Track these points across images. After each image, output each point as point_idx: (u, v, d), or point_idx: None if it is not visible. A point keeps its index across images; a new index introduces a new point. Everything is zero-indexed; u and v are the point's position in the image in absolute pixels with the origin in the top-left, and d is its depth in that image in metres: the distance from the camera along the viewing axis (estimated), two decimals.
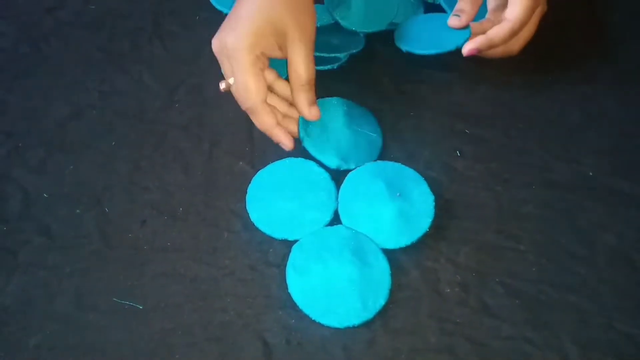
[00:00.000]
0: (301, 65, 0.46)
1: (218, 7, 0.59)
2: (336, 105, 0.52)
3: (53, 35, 0.58)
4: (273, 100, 0.49)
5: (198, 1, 0.62)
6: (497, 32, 0.51)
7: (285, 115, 0.49)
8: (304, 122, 0.50)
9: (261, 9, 0.45)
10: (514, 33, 0.51)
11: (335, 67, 0.55)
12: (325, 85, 0.55)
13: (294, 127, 0.49)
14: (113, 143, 0.51)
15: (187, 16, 0.60)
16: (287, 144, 0.48)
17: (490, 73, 0.56)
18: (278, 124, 0.48)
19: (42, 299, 0.43)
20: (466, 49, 0.50)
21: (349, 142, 0.50)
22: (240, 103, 0.47)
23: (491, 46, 0.51)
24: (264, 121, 0.47)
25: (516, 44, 0.53)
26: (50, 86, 0.55)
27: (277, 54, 0.47)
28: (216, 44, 0.46)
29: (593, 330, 0.42)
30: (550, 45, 0.60)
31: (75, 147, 0.51)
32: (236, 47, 0.44)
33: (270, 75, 0.49)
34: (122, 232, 0.46)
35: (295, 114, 0.49)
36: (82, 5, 0.61)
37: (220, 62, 0.47)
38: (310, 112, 0.47)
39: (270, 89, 0.48)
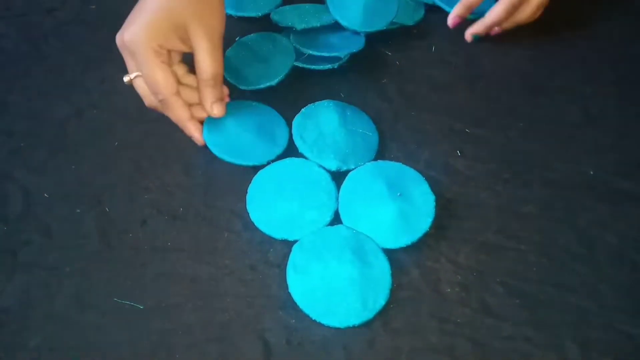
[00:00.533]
0: (205, 61, 0.46)
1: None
2: (328, 108, 0.52)
3: (53, 35, 0.58)
4: (185, 91, 0.49)
5: None
6: (491, 16, 0.56)
7: (196, 104, 0.49)
8: (298, 128, 0.51)
9: (161, 2, 0.45)
10: (508, 12, 0.55)
11: (335, 67, 0.55)
12: (325, 85, 0.55)
13: (203, 114, 0.49)
14: (114, 143, 0.51)
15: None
16: (198, 139, 0.49)
17: (490, 73, 0.56)
18: (191, 117, 0.48)
19: (42, 299, 0.43)
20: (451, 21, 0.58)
21: (346, 142, 0.50)
22: (147, 97, 0.47)
23: (489, 28, 0.57)
24: (177, 114, 0.47)
25: (523, 14, 0.57)
26: (50, 86, 0.55)
27: (180, 47, 0.47)
28: (118, 39, 0.46)
29: (593, 330, 0.42)
30: (549, 45, 0.60)
31: (76, 147, 0.51)
32: (133, 40, 0.44)
33: (180, 70, 0.49)
34: (122, 232, 0.46)
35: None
36: (82, 5, 0.61)
37: (124, 57, 0.47)
38: (213, 110, 0.48)
39: (180, 82, 0.48)
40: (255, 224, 0.46)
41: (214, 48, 0.46)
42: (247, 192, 0.47)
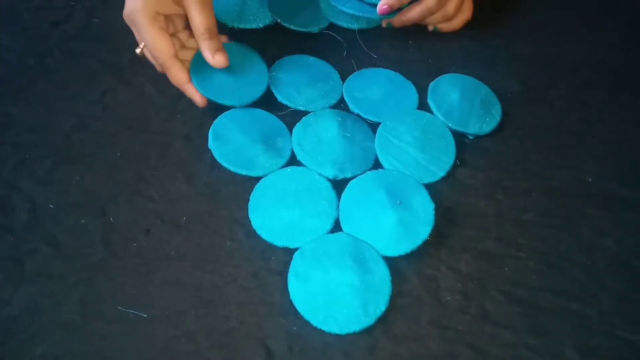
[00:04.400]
0: (196, 17, 0.49)
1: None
2: (328, 116, 0.53)
3: (58, 48, 0.59)
4: (187, 54, 0.53)
5: None
6: (407, 15, 0.58)
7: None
8: (297, 136, 0.51)
9: None
10: (423, 15, 0.58)
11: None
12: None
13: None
14: (118, 154, 0.52)
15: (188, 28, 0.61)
16: (198, 100, 0.52)
17: (488, 81, 0.57)
18: (190, 80, 0.51)
19: (48, 308, 0.43)
20: (380, 8, 0.56)
21: (344, 151, 0.51)
22: (154, 63, 0.51)
23: (403, 24, 0.59)
24: (176, 76, 0.51)
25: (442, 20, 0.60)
26: (55, 98, 0.55)
27: (176, 10, 0.51)
28: (124, 15, 0.50)
29: (594, 336, 0.43)
30: (547, 52, 0.61)
31: (81, 158, 0.51)
32: (132, 11, 0.49)
33: (184, 35, 0.54)
34: (126, 241, 0.46)
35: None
36: (87, 19, 0.62)
37: (132, 30, 0.51)
38: (215, 59, 0.50)
39: (184, 46, 0.54)
40: (257, 232, 0.47)
41: (203, 3, 0.49)
42: (249, 201, 0.48)
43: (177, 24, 0.53)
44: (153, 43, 0.49)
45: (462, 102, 0.55)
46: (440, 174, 0.51)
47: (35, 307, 0.43)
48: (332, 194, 0.49)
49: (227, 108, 0.53)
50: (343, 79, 0.57)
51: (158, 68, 0.52)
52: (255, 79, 0.55)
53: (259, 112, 0.54)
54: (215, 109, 0.53)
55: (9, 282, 0.44)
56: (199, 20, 0.49)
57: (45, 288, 0.44)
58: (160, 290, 0.44)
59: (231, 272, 0.45)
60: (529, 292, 0.45)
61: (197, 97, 0.52)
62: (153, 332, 0.42)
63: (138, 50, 0.51)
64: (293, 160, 0.51)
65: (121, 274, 0.45)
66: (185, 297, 0.44)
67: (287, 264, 0.45)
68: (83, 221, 0.47)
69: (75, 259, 0.45)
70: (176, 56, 0.50)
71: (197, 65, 0.52)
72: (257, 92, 0.54)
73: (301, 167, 0.50)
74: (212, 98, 0.52)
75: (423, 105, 0.55)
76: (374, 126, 0.53)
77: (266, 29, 0.61)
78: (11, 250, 0.46)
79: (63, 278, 0.44)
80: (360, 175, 0.50)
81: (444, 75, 0.57)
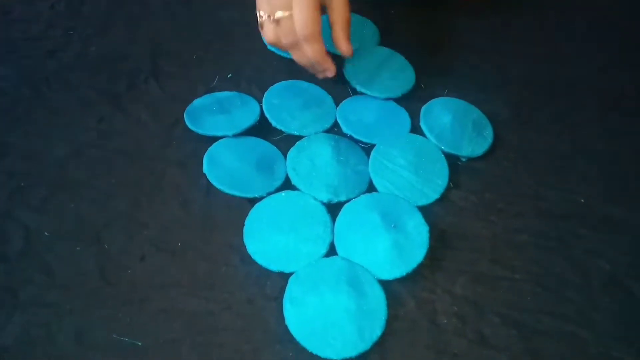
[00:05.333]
0: (340, 6, 0.52)
1: None
2: (322, 140, 0.54)
3: (53, 77, 0.60)
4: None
5: (194, 41, 0.64)
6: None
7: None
8: (292, 161, 0.52)
9: None
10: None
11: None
12: None
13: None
14: (113, 181, 0.52)
15: (183, 56, 0.62)
16: (332, 69, 0.54)
17: (479, 105, 0.58)
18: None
19: (42, 337, 0.43)
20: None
21: (338, 175, 0.51)
22: (289, 35, 0.50)
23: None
24: (318, 49, 0.51)
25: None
26: (50, 127, 0.56)
27: None
28: None
29: (590, 359, 0.42)
30: (537, 75, 0.62)
31: (76, 186, 0.51)
32: None
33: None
34: (121, 268, 0.46)
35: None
36: (83, 48, 0.63)
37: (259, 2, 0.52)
38: (348, 48, 0.53)
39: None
40: (252, 257, 0.47)
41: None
42: (244, 226, 0.48)
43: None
44: (308, 14, 0.49)
45: (454, 125, 0.55)
46: (434, 196, 0.51)
47: (28, 336, 0.43)
48: (326, 217, 0.49)
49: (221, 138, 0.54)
50: (336, 104, 0.58)
51: (287, 42, 0.51)
52: (246, 109, 0.56)
53: (253, 139, 0.54)
54: (209, 138, 0.54)
55: (2, 311, 0.44)
56: (343, 8, 0.52)
57: (39, 317, 0.44)
58: (155, 318, 0.44)
59: (226, 298, 0.45)
60: (525, 315, 0.45)
61: (332, 67, 0.53)
62: None
63: (265, 16, 0.51)
64: (287, 185, 0.51)
65: (116, 302, 0.45)
66: (180, 325, 0.43)
67: (283, 289, 0.45)
68: (78, 249, 0.47)
69: (69, 288, 0.45)
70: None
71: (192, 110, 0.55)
72: (249, 120, 0.55)
73: (296, 192, 0.50)
74: (204, 133, 0.54)
75: (416, 129, 0.56)
76: (367, 150, 0.54)
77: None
78: (5, 279, 0.46)
79: (57, 306, 0.44)
80: (354, 198, 0.50)
81: (436, 99, 0.58)
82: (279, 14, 0.50)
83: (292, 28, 0.50)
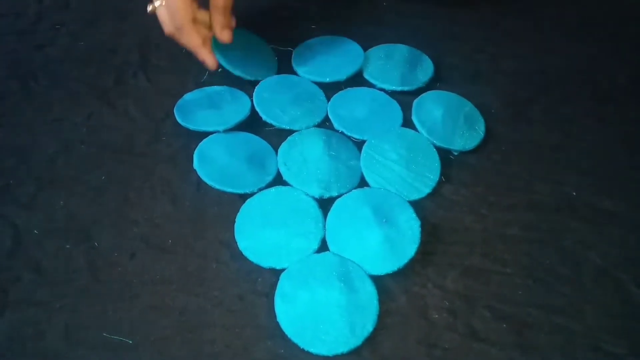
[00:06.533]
0: None
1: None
2: (314, 135, 0.53)
3: (41, 72, 0.59)
4: (197, 27, 0.53)
5: None
6: None
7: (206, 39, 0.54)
8: (283, 156, 0.52)
9: None
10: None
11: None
12: None
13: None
14: (102, 177, 0.51)
15: (173, 50, 0.61)
16: (210, 63, 0.54)
17: (471, 98, 0.58)
18: (203, 44, 0.53)
19: (32, 335, 0.42)
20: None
21: (330, 170, 0.51)
22: (167, 24, 0.52)
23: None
24: (192, 39, 0.52)
25: None
26: (38, 122, 0.55)
27: None
28: None
29: (581, 351, 0.43)
30: (528, 67, 0.62)
31: (65, 183, 0.51)
32: None
33: (194, 5, 0.53)
34: (111, 266, 0.46)
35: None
36: (72, 42, 0.62)
37: None
38: (222, 35, 0.53)
39: (194, 19, 0.52)
40: (244, 253, 0.46)
41: None
42: (235, 222, 0.48)
43: None
44: (176, 5, 0.50)
45: (446, 118, 0.55)
46: (426, 190, 0.51)
47: (18, 335, 0.43)
48: (318, 213, 0.48)
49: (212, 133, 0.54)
50: (328, 98, 0.58)
51: (169, 30, 0.52)
52: (237, 104, 0.56)
53: (244, 134, 0.54)
54: (200, 133, 0.53)
55: None
56: None
57: (28, 315, 0.43)
58: (145, 315, 0.44)
59: (217, 294, 0.45)
60: (516, 308, 0.45)
61: (209, 59, 0.54)
62: (139, 358, 0.42)
63: (150, 8, 0.52)
64: (279, 180, 0.51)
65: (106, 299, 0.44)
66: (171, 322, 0.43)
67: (274, 285, 0.45)
68: (67, 246, 0.47)
69: (59, 285, 0.45)
70: (194, 21, 0.52)
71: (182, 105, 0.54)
72: (240, 115, 0.55)
73: (287, 187, 0.50)
74: (194, 128, 0.54)
75: (407, 123, 0.56)
76: (359, 144, 0.54)
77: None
78: None
79: (47, 305, 0.44)
80: (346, 193, 0.50)
81: (428, 92, 0.58)
82: (157, 2, 0.51)
83: (167, 17, 0.52)
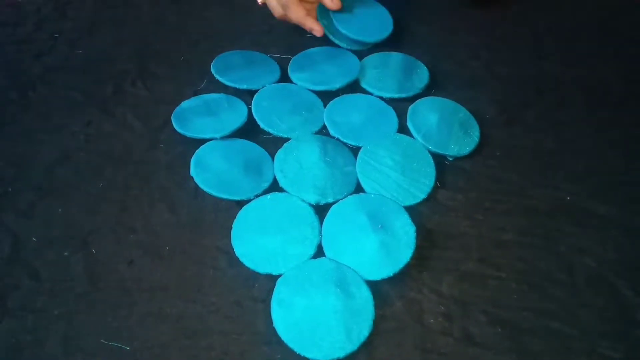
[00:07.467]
0: None
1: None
2: (309, 142, 0.54)
3: (40, 81, 0.60)
4: (302, 3, 0.62)
5: (180, 42, 0.64)
6: None
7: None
8: (279, 162, 0.52)
9: None
10: None
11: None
12: None
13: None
14: (100, 185, 0.52)
15: (171, 57, 0.62)
16: (317, 29, 0.62)
17: (466, 104, 0.58)
18: (308, 15, 0.62)
19: (30, 343, 0.43)
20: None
21: (326, 176, 0.51)
22: (276, 9, 0.61)
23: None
24: (298, 13, 0.61)
25: None
26: (37, 131, 0.56)
27: None
28: None
29: (576, 355, 0.43)
30: (523, 73, 0.62)
31: (64, 191, 0.51)
32: None
33: None
34: (109, 273, 0.46)
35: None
36: (70, 51, 0.63)
37: None
38: (333, 1, 0.61)
39: None
40: (240, 259, 0.47)
41: None
42: (231, 228, 0.48)
43: None
44: None
45: (441, 124, 0.55)
46: (421, 196, 0.51)
47: (16, 342, 0.43)
48: (314, 219, 0.49)
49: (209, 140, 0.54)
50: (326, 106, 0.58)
51: (279, 13, 0.61)
52: (234, 111, 0.56)
53: (241, 142, 0.54)
54: (197, 141, 0.54)
55: None
56: None
57: (27, 323, 0.44)
58: (143, 322, 0.44)
59: (214, 301, 0.45)
60: (511, 313, 0.45)
61: (316, 26, 0.62)
62: None
63: (260, 0, 0.62)
64: (275, 187, 0.51)
65: (104, 306, 0.45)
66: (168, 329, 0.44)
67: (270, 291, 0.45)
68: (65, 254, 0.47)
69: (57, 293, 0.45)
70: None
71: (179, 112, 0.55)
72: (237, 122, 0.55)
73: (283, 194, 0.51)
74: (192, 135, 0.54)
75: (403, 129, 0.56)
76: (354, 150, 0.54)
77: None
78: None
79: (45, 312, 0.44)
80: (342, 199, 0.50)
81: (423, 98, 0.58)
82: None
83: (275, 3, 0.61)
